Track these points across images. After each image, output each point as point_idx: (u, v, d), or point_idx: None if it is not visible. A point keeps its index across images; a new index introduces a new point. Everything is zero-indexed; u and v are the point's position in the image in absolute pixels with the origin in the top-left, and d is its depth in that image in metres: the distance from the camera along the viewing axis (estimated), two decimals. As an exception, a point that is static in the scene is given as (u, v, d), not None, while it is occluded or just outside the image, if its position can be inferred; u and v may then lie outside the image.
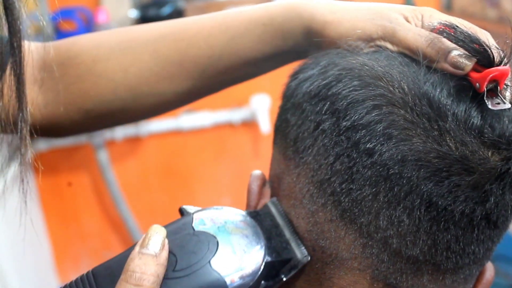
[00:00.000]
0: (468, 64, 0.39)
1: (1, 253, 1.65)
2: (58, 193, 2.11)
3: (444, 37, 0.41)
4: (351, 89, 0.39)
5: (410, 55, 0.42)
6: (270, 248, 0.41)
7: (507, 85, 0.40)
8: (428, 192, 0.37)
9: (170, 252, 0.40)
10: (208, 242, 0.40)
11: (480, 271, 0.44)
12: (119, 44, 0.52)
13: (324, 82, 0.41)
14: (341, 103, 0.39)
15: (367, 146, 0.38)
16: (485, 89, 0.38)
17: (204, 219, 0.41)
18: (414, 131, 0.38)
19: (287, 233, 0.43)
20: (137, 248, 0.38)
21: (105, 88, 0.52)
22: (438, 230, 0.38)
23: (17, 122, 0.54)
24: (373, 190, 0.38)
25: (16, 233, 1.99)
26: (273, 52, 0.50)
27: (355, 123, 0.38)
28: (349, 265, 0.40)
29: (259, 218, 0.43)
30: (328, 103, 0.40)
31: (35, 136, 0.57)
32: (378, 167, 0.38)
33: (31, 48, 0.55)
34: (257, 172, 0.48)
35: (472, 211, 0.38)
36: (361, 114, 0.38)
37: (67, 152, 2.05)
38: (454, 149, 0.37)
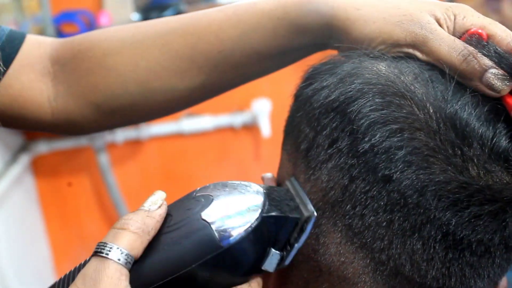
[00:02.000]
0: (504, 88, 0.37)
1: (1, 255, 1.65)
2: (58, 195, 2.11)
3: (480, 50, 0.38)
4: (372, 107, 0.36)
5: (441, 67, 0.39)
6: (272, 205, 0.39)
7: None
8: (446, 222, 0.35)
9: (168, 214, 0.40)
10: (203, 200, 0.39)
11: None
12: (130, 38, 0.51)
13: (344, 96, 0.38)
14: (361, 122, 0.36)
15: (385, 172, 0.36)
16: None
17: (206, 186, 0.41)
18: (435, 158, 0.35)
19: (298, 200, 0.40)
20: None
21: (115, 82, 0.51)
22: (454, 259, 0.37)
23: (24, 116, 0.53)
24: (388, 217, 0.36)
25: (16, 234, 2.00)
26: (289, 46, 0.47)
27: (374, 147, 0.36)
28: None
29: (269, 187, 0.41)
30: (347, 120, 0.37)
31: (47, 131, 0.56)
32: (395, 195, 0.36)
33: (46, 42, 0.55)
34: (268, 175, 0.46)
35: (490, 239, 0.36)
36: (381, 138, 0.36)
37: (68, 154, 2.05)
38: (476, 178, 0.35)
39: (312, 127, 0.39)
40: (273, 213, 0.38)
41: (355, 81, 0.38)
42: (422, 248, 0.36)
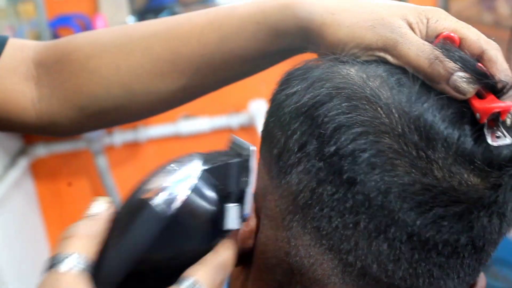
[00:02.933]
0: (470, 91, 0.37)
1: (1, 258, 1.65)
2: (58, 198, 2.11)
3: (446, 54, 0.39)
4: (339, 111, 0.37)
5: (409, 71, 0.39)
6: (210, 161, 0.38)
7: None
8: (411, 224, 0.36)
9: (117, 213, 0.39)
10: (142, 184, 0.38)
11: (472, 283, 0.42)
12: (113, 41, 0.52)
13: (312, 100, 0.39)
14: (327, 126, 0.37)
15: (350, 175, 0.36)
16: (486, 121, 0.37)
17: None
18: (399, 161, 0.36)
19: (237, 148, 0.40)
20: None
21: (98, 84, 0.52)
22: (420, 259, 0.37)
23: (8, 118, 0.54)
24: (354, 219, 0.37)
25: (16, 237, 2.00)
26: (269, 50, 0.48)
27: (339, 150, 0.36)
28: None
29: (203, 153, 0.41)
30: (315, 124, 0.38)
31: (32, 133, 0.57)
32: (360, 197, 0.36)
33: (30, 46, 0.56)
34: None
35: (457, 240, 0.37)
36: (346, 141, 0.36)
37: (67, 157, 2.05)
38: (441, 179, 0.36)
39: (283, 131, 0.40)
40: (211, 166, 0.38)
41: (324, 86, 0.39)
42: (388, 249, 0.37)
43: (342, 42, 0.42)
